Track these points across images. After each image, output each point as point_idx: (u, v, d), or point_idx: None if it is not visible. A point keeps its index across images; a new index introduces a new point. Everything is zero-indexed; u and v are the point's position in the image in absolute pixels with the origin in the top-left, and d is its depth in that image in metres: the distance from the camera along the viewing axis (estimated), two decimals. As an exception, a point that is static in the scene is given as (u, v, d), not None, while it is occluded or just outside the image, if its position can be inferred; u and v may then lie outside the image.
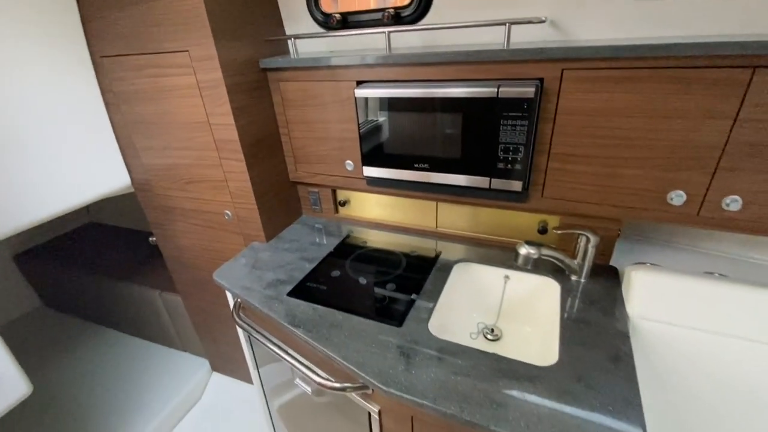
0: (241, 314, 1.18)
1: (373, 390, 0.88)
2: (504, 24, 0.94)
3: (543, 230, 1.18)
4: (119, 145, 1.41)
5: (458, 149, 1.05)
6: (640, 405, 0.71)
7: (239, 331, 1.31)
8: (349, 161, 1.27)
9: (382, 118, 1.11)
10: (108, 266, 2.19)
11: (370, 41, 1.27)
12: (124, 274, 2.09)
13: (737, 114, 0.80)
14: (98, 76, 1.31)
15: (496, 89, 0.94)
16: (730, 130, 0.82)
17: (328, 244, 1.36)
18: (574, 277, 1.08)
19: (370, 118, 1.13)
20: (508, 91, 0.93)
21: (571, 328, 0.91)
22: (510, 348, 1.10)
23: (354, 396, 0.93)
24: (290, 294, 1.09)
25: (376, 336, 0.92)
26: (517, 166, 1.01)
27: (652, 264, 1.04)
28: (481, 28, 1.09)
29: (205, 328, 1.84)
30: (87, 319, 2.48)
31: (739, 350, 0.81)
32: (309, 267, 1.22)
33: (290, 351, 1.04)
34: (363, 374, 0.82)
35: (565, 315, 0.95)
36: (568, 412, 0.71)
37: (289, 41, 1.23)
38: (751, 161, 0.82)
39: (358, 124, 1.15)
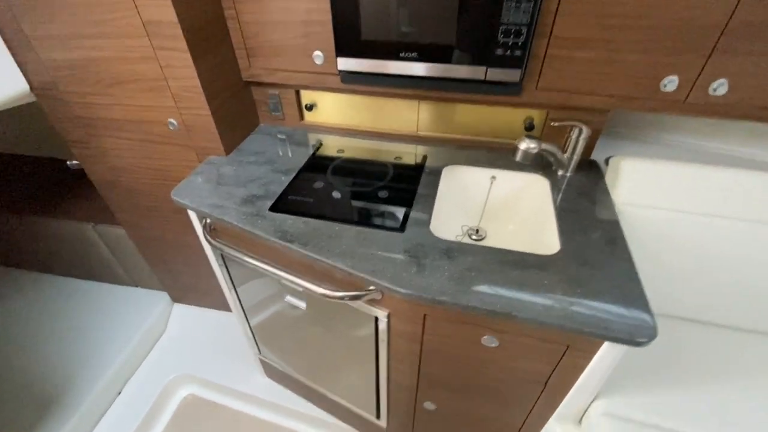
0: (212, 236, 1.05)
1: (383, 295, 0.85)
2: None
3: (530, 127, 1.15)
4: (2, 36, 1.05)
5: (453, 33, 0.93)
6: (639, 280, 0.77)
7: (210, 255, 1.18)
8: (317, 52, 1.08)
9: (360, -7, 0.92)
10: (16, 201, 1.82)
11: None
12: (42, 209, 1.76)
13: (749, -14, 0.77)
14: None
15: (503, -47, 0.80)
16: (735, 8, 0.79)
17: (299, 154, 1.21)
18: (560, 172, 1.10)
19: (345, -5, 0.93)
20: (518, -45, 0.79)
21: (566, 219, 0.94)
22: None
23: (360, 304, 0.91)
24: (273, 209, 0.98)
25: (379, 243, 0.87)
26: (517, 53, 0.92)
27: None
28: None
29: (158, 258, 1.67)
30: (8, 265, 2.13)
31: (715, 227, 0.90)
32: (285, 180, 1.09)
33: (281, 269, 0.96)
34: (377, 280, 0.78)
35: (559, 207, 0.97)
36: (579, 292, 0.75)
37: None
38: (745, 42, 0.82)
39: (332, 1, 0.95)
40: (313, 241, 0.88)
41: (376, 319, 0.92)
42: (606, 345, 0.73)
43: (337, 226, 0.92)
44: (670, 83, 0.89)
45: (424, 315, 0.84)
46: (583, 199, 1.00)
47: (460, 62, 0.97)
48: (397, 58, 1.00)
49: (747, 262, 0.90)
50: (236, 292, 1.26)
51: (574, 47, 0.91)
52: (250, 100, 1.30)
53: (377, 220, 0.94)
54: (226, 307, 1.86)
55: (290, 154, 1.21)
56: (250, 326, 1.39)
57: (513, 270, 0.80)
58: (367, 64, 1.03)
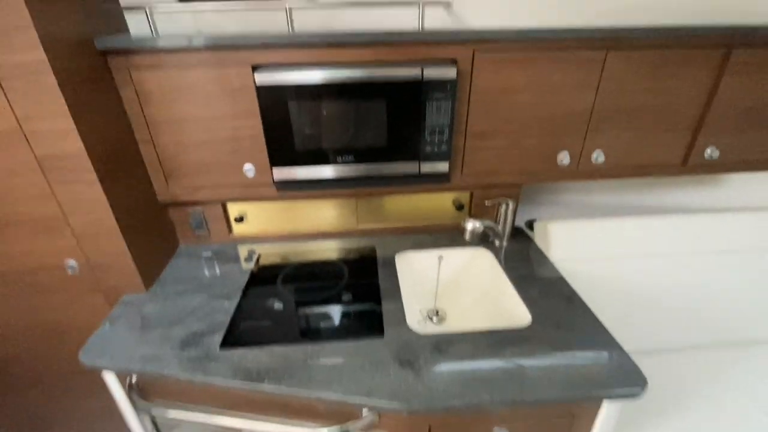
0: (141, 398, 0.83)
1: (380, 416, 0.75)
2: (417, 3, 0.94)
3: (459, 207, 1.26)
4: None
5: (384, 137, 1.00)
6: (604, 328, 0.84)
7: (134, 423, 0.91)
8: (248, 165, 1.04)
9: (290, 107, 0.95)
10: None
11: (260, 21, 1.07)
12: None
13: (598, 85, 1.02)
14: None
15: (419, 71, 0.93)
16: (594, 99, 1.03)
17: (237, 272, 1.09)
18: (497, 242, 1.20)
19: (273, 108, 0.95)
20: (433, 72, 0.93)
21: (523, 286, 1.00)
22: (458, 323, 1.13)
23: (353, 434, 0.78)
24: (225, 345, 0.83)
25: (363, 356, 0.79)
26: (443, 147, 1.03)
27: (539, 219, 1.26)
28: (383, 12, 1.06)
29: (36, 445, 1.23)
30: None
31: (636, 265, 1.06)
32: (230, 305, 0.95)
33: (246, 417, 0.79)
34: (376, 402, 0.69)
35: (512, 276, 1.04)
36: (568, 353, 0.77)
37: (146, 13, 0.91)
38: (607, 122, 1.07)
39: (263, 117, 0.95)
40: (287, 374, 0.75)
41: (373, 445, 0.80)
42: (605, 404, 0.75)
43: (309, 348, 0.82)
44: (565, 158, 1.09)
45: (429, 426, 0.76)
46: (528, 264, 1.09)
47: (394, 160, 1.04)
48: (334, 162, 1.03)
49: (671, 288, 1.07)
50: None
51: (486, 138, 1.06)
52: (167, 222, 1.16)
53: (352, 329, 0.87)
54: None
55: (226, 274, 1.08)
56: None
57: (503, 349, 0.79)
58: (303, 171, 1.04)
